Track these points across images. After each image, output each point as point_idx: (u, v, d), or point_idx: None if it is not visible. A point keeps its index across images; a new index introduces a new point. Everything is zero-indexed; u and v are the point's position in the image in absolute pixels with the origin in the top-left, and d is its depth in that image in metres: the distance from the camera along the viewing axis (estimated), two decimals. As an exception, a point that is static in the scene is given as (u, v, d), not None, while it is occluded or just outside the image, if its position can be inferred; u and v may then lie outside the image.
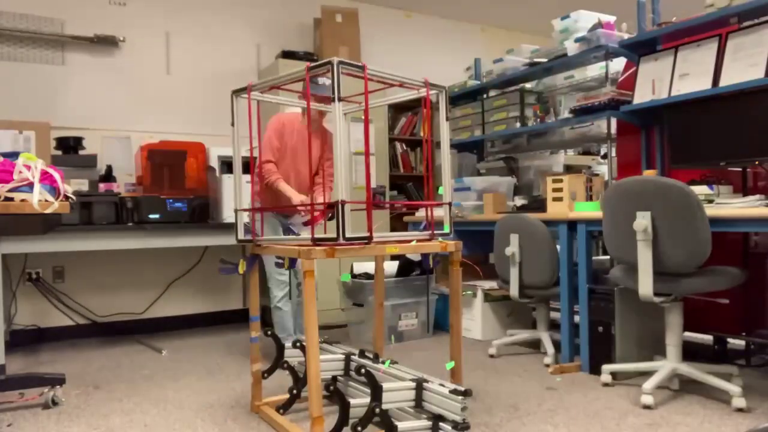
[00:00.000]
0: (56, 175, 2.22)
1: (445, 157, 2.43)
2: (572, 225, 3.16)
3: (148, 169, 3.80)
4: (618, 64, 3.63)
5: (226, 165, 3.93)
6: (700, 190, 2.72)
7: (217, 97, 4.57)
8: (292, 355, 2.52)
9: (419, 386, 2.10)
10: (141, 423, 2.41)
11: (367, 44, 5.08)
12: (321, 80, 3.01)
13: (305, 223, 3.14)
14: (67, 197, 2.25)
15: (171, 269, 4.42)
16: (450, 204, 2.42)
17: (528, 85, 4.19)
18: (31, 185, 2.12)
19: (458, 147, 4.67)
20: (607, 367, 2.82)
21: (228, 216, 3.76)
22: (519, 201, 3.62)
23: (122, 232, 3.51)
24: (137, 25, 4.40)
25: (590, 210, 3.11)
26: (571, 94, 4.08)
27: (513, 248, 3.23)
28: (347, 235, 2.01)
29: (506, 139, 4.45)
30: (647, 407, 2.48)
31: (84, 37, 4.20)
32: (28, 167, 2.15)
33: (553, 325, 3.50)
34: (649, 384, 2.52)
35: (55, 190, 2.20)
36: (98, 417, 2.48)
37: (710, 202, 2.65)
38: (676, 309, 2.63)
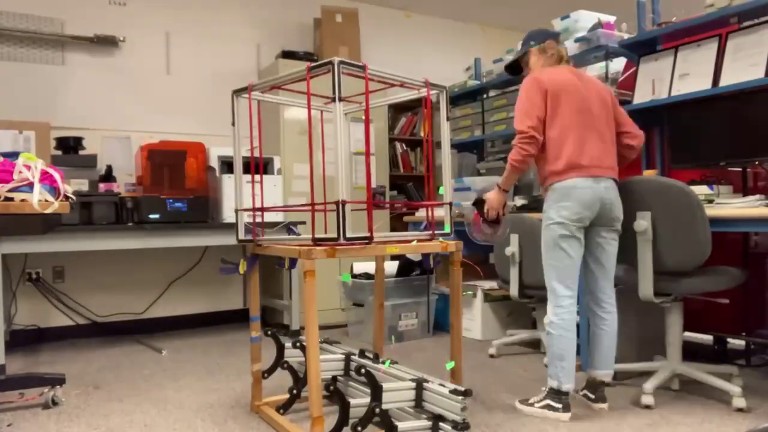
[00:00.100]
0: (56, 175, 2.22)
1: (446, 157, 2.43)
2: (572, 225, 3.16)
3: (148, 169, 3.80)
4: (618, 64, 3.63)
5: (226, 165, 3.93)
6: (700, 190, 2.71)
7: (217, 97, 4.57)
8: (292, 355, 2.52)
9: (419, 386, 2.10)
10: (141, 423, 2.41)
11: (367, 44, 5.07)
12: None
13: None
14: (67, 197, 2.25)
15: (171, 269, 4.42)
16: (450, 204, 2.42)
17: (528, 85, 4.18)
18: (31, 185, 2.12)
19: (458, 147, 4.67)
20: (607, 367, 2.82)
21: (228, 216, 3.76)
22: (519, 201, 3.62)
23: (122, 232, 3.50)
24: (137, 25, 4.40)
25: (590, 210, 3.10)
26: (571, 94, 4.07)
27: (513, 248, 3.23)
28: (348, 235, 2.02)
29: (506, 139, 4.45)
30: (647, 407, 2.48)
31: (84, 37, 4.20)
32: (28, 167, 2.15)
33: (553, 325, 3.49)
34: (649, 384, 2.52)
35: (55, 190, 2.19)
36: (98, 417, 2.48)
37: (710, 202, 2.64)
38: (676, 309, 2.63)
